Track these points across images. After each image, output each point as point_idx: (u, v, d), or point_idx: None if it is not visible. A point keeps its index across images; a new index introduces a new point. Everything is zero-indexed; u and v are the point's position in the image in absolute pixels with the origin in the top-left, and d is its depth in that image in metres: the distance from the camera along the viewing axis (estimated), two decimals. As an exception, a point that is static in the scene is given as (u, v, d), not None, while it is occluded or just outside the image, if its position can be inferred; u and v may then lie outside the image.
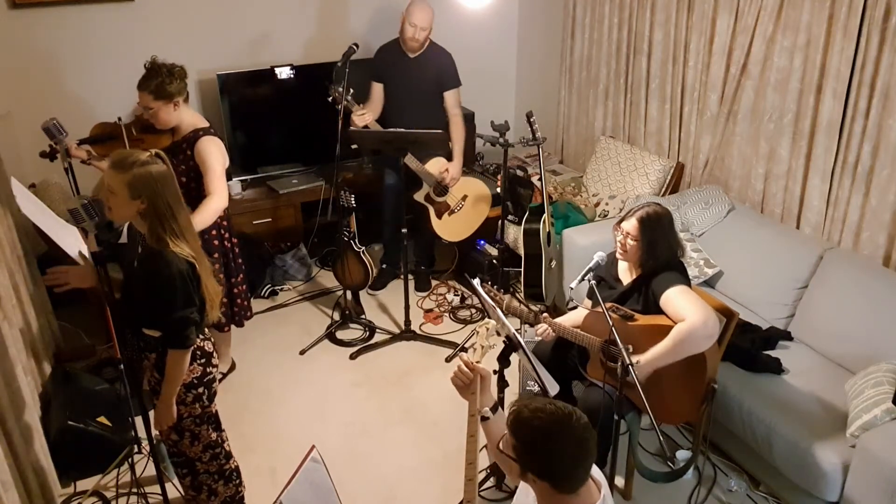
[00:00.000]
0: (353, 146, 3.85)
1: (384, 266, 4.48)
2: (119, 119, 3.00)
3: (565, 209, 4.15)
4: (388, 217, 4.31)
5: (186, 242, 2.21)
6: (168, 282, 2.16)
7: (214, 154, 3.00)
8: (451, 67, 4.04)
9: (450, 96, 4.06)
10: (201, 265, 2.25)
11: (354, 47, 3.76)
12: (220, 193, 3.01)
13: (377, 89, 4.05)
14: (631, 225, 2.66)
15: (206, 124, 3.09)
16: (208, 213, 2.97)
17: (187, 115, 3.04)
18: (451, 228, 4.16)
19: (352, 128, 3.74)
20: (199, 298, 2.26)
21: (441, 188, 4.02)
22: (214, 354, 2.43)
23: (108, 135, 3.09)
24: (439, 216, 4.10)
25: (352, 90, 3.72)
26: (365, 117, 3.76)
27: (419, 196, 4.04)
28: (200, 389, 2.38)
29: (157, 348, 2.30)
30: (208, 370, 2.39)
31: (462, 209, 4.13)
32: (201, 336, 2.34)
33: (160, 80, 2.89)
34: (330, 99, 3.71)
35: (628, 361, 2.35)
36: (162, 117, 2.96)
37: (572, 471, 1.66)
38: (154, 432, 2.44)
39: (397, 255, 4.47)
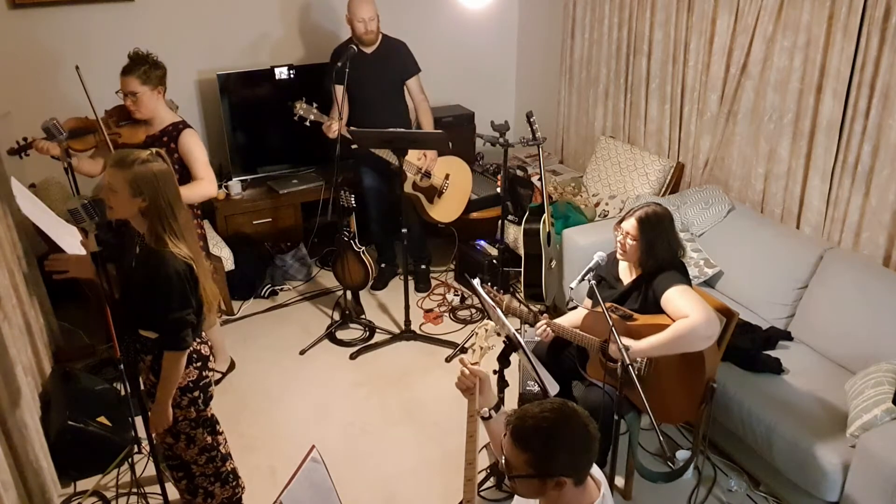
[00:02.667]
0: (353, 146, 3.85)
1: (382, 266, 4.48)
2: (77, 68, 2.93)
3: (565, 209, 4.15)
4: (375, 216, 4.31)
5: (185, 242, 2.21)
6: (165, 282, 2.16)
7: (200, 145, 3.09)
8: (409, 55, 4.03)
9: (413, 83, 4.06)
10: (199, 266, 2.25)
11: (354, 48, 3.76)
12: (210, 180, 3.09)
13: (339, 91, 3.97)
14: (630, 225, 2.66)
15: (181, 119, 3.13)
16: (195, 192, 3.03)
17: (164, 109, 3.08)
18: (445, 209, 4.19)
19: (351, 128, 3.74)
20: (197, 300, 2.26)
21: (424, 173, 4.03)
22: (211, 358, 2.42)
23: (83, 129, 3.08)
24: (431, 201, 4.12)
25: (315, 103, 3.71)
26: (332, 127, 3.74)
27: (407, 188, 4.04)
28: (196, 393, 2.37)
29: (154, 350, 2.30)
30: (204, 374, 2.38)
31: (449, 188, 4.16)
32: (198, 339, 2.34)
33: (147, 66, 2.95)
34: (296, 118, 3.71)
35: (627, 361, 2.35)
36: (146, 103, 2.98)
37: (590, 454, 1.67)
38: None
39: (391, 253, 4.47)
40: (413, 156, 3.96)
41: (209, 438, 2.48)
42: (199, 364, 2.35)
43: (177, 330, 2.21)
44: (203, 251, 3.33)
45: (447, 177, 4.14)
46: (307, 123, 3.73)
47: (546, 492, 1.67)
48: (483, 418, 2.09)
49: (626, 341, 2.51)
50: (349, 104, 4.04)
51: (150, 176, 2.15)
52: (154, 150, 2.24)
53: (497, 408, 2.11)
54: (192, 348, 2.29)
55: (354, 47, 3.76)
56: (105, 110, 3.13)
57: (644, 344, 2.52)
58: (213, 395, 2.47)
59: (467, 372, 2.10)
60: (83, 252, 2.50)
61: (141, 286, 2.22)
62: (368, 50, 3.93)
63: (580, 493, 1.69)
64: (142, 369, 2.40)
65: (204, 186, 3.06)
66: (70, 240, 2.59)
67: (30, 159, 3.15)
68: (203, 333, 2.39)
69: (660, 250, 2.64)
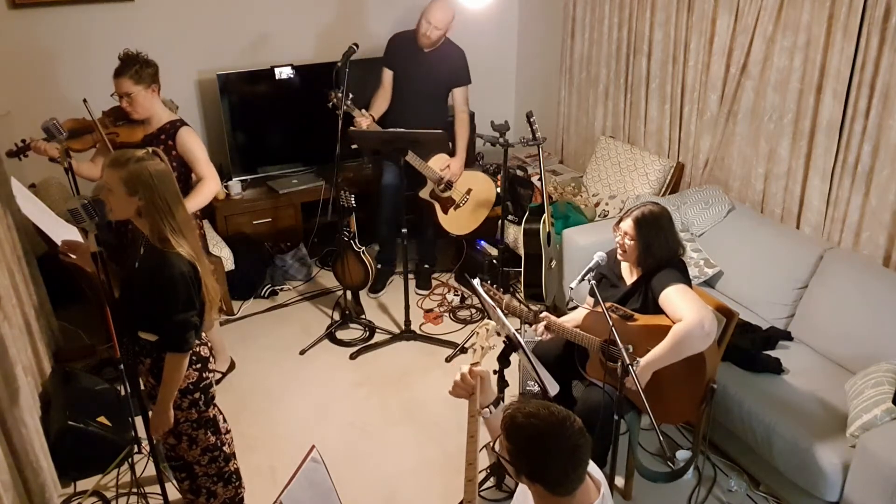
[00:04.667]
0: (353, 146, 3.85)
1: (379, 266, 4.47)
2: (84, 101, 2.99)
3: (565, 209, 4.15)
4: (386, 215, 4.30)
5: (186, 240, 2.21)
6: (170, 283, 2.16)
7: (198, 142, 3.10)
8: (463, 65, 4.04)
9: (458, 93, 4.06)
10: (201, 264, 2.25)
11: (354, 47, 3.75)
12: (213, 177, 3.11)
13: (388, 76, 4.04)
14: (627, 225, 2.67)
15: (178, 117, 3.14)
16: (204, 195, 3.07)
17: (160, 107, 3.08)
18: (458, 223, 4.16)
19: (352, 128, 3.74)
20: (200, 302, 2.26)
21: (445, 184, 4.02)
22: (211, 360, 2.42)
23: (81, 129, 3.08)
24: (445, 211, 4.10)
25: (351, 94, 3.72)
26: (361, 122, 3.76)
27: (424, 193, 4.04)
28: (196, 395, 2.37)
29: (153, 353, 2.29)
30: (204, 375, 2.37)
31: (467, 203, 4.13)
32: (198, 341, 2.33)
33: (138, 66, 2.95)
34: (330, 105, 3.73)
35: (628, 362, 2.35)
36: (141, 103, 2.99)
37: (566, 475, 1.66)
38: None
39: (393, 254, 4.47)
40: (436, 164, 3.95)
41: (212, 438, 2.48)
42: (198, 366, 2.35)
43: (180, 332, 2.20)
44: (203, 250, 3.33)
45: (468, 192, 4.12)
46: (338, 113, 3.73)
47: (520, 482, 1.72)
48: (483, 417, 2.09)
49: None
50: (394, 93, 4.06)
51: (144, 174, 2.14)
52: (150, 148, 2.23)
53: (497, 403, 2.11)
54: (192, 350, 2.29)
55: (355, 47, 3.75)
56: (103, 111, 3.13)
57: (649, 358, 2.52)
58: (214, 396, 2.46)
59: (460, 380, 2.09)
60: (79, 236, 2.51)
61: (145, 287, 2.21)
62: (425, 49, 3.93)
63: (566, 500, 1.69)
64: (141, 371, 2.40)
65: (209, 186, 3.08)
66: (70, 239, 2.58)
67: (30, 159, 3.15)
68: (203, 335, 2.39)
69: (658, 249, 2.64)
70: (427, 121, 3.78)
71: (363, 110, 3.83)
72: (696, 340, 2.50)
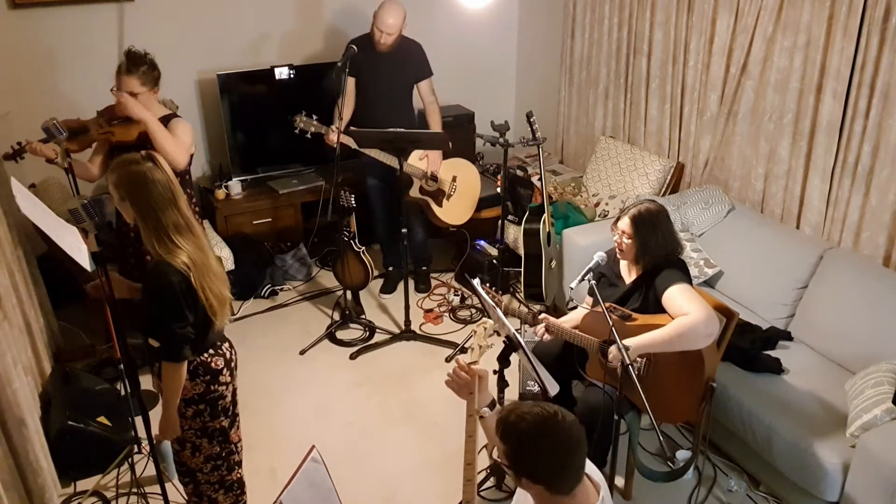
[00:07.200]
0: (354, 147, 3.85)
1: (390, 269, 4.46)
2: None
3: (565, 209, 4.15)
4: (380, 217, 4.30)
5: (179, 245, 2.15)
6: (159, 293, 2.13)
7: (187, 131, 3.06)
8: (423, 58, 4.01)
9: (424, 85, 4.05)
10: (198, 270, 2.18)
11: (354, 48, 3.75)
12: (184, 149, 3.01)
13: (350, 83, 4.00)
14: (625, 224, 2.68)
15: (171, 112, 3.13)
16: (168, 140, 2.94)
17: (157, 106, 3.08)
18: (455, 212, 4.16)
19: (352, 127, 3.74)
20: (199, 312, 2.19)
21: (430, 177, 4.01)
22: (224, 372, 2.34)
23: (77, 129, 3.08)
24: (440, 204, 4.10)
25: (314, 115, 3.71)
26: (332, 137, 3.72)
27: (414, 192, 4.03)
28: (202, 406, 2.32)
29: (160, 359, 2.28)
30: (213, 388, 2.31)
31: (457, 189, 4.14)
32: (210, 352, 2.28)
33: (146, 66, 2.94)
34: (297, 130, 3.70)
35: (628, 361, 2.35)
36: (143, 104, 2.97)
37: (564, 469, 1.65)
38: (154, 432, 2.43)
39: (397, 255, 4.47)
40: (414, 158, 3.94)
41: (217, 448, 2.45)
42: (206, 377, 2.29)
43: (169, 342, 2.17)
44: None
45: (454, 179, 4.12)
46: (308, 136, 3.72)
47: (523, 486, 1.70)
48: (479, 417, 2.09)
49: (626, 340, 2.51)
50: (357, 101, 4.03)
51: (126, 178, 2.14)
52: (144, 151, 2.22)
53: (493, 405, 2.11)
54: (199, 361, 2.25)
55: (354, 47, 3.75)
56: (97, 111, 3.13)
57: (643, 340, 2.51)
58: (226, 408, 2.39)
59: (460, 370, 2.09)
60: (83, 250, 2.50)
61: (145, 294, 2.21)
62: (383, 51, 3.90)
63: (566, 501, 1.68)
64: (154, 372, 2.39)
65: (177, 143, 2.97)
66: (70, 240, 2.58)
67: (29, 160, 3.14)
68: (225, 346, 2.35)
69: (655, 247, 2.65)
70: (397, 120, 3.77)
71: (331, 126, 3.77)
72: (697, 337, 2.50)
